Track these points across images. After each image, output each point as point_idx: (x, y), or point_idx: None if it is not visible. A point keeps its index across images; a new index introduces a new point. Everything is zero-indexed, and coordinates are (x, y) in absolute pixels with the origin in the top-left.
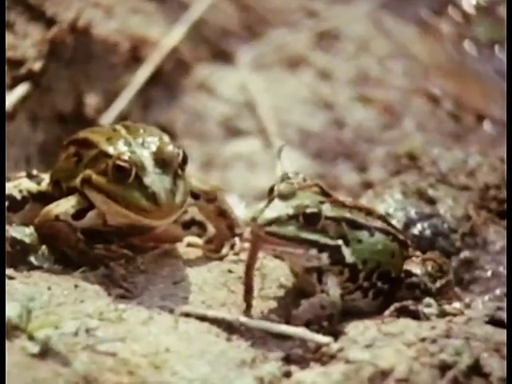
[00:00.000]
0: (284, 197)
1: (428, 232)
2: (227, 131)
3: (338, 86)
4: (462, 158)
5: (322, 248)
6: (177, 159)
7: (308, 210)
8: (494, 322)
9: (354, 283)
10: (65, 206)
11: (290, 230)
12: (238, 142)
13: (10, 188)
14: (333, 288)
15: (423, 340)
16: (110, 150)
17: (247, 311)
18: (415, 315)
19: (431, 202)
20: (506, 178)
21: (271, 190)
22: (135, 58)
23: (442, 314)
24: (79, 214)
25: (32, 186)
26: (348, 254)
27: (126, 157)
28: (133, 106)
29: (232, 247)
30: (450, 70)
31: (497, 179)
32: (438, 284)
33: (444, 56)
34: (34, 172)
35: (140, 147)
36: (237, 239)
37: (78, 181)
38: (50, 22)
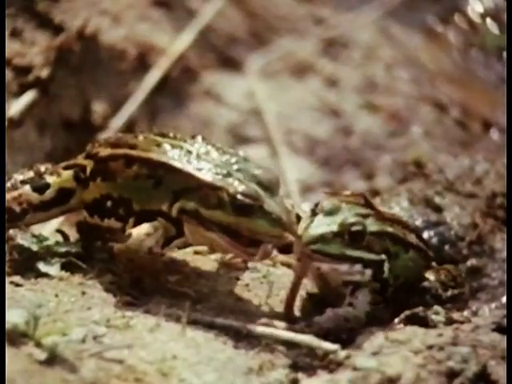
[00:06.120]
0: (328, 212)
1: (435, 240)
2: (234, 138)
3: (344, 93)
4: (469, 165)
5: (366, 264)
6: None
7: (353, 229)
8: (500, 329)
9: (381, 296)
10: (155, 235)
11: (335, 247)
12: (245, 150)
13: (9, 201)
14: (362, 304)
15: (430, 347)
16: (217, 182)
17: (288, 321)
18: (424, 322)
19: (438, 209)
20: (506, 188)
21: (316, 205)
22: (142, 65)
23: (449, 322)
24: (166, 242)
25: (34, 196)
26: (387, 269)
27: (242, 189)
28: (140, 113)
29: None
30: (457, 77)
31: (503, 187)
32: (450, 293)
33: (451, 64)
34: (42, 168)
35: (239, 173)
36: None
37: (165, 207)
38: (57, 30)
